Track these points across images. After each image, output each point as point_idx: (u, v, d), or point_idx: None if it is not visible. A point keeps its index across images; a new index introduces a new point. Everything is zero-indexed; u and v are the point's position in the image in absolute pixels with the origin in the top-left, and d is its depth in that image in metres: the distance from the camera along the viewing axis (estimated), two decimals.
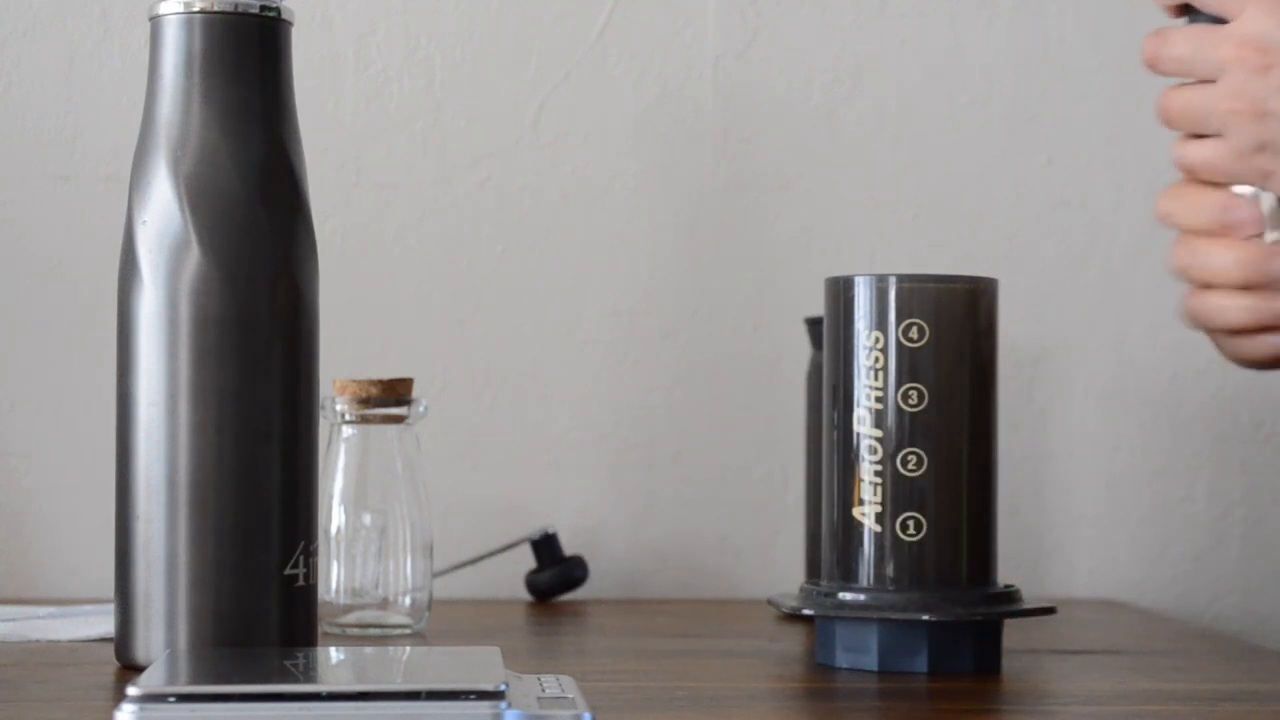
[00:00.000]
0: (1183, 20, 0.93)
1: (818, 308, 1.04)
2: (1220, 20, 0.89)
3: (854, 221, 1.35)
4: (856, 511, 0.94)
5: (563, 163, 1.33)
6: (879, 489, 0.93)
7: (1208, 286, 0.93)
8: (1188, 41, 0.91)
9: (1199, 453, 1.36)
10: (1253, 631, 1.35)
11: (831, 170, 1.35)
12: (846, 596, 0.94)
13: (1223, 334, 0.94)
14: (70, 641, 1.02)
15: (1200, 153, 0.91)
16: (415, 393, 1.11)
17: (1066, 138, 1.35)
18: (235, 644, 0.89)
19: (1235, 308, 0.93)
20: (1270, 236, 0.93)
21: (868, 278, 0.94)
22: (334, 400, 1.09)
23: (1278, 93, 0.89)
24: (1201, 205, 0.94)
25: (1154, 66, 0.93)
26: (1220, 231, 0.93)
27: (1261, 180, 0.90)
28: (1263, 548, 1.36)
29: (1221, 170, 0.91)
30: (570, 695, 0.76)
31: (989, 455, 0.95)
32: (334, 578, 1.08)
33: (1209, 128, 0.90)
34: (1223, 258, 0.93)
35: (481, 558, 1.27)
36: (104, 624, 1.04)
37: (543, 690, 0.77)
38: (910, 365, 0.93)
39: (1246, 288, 0.93)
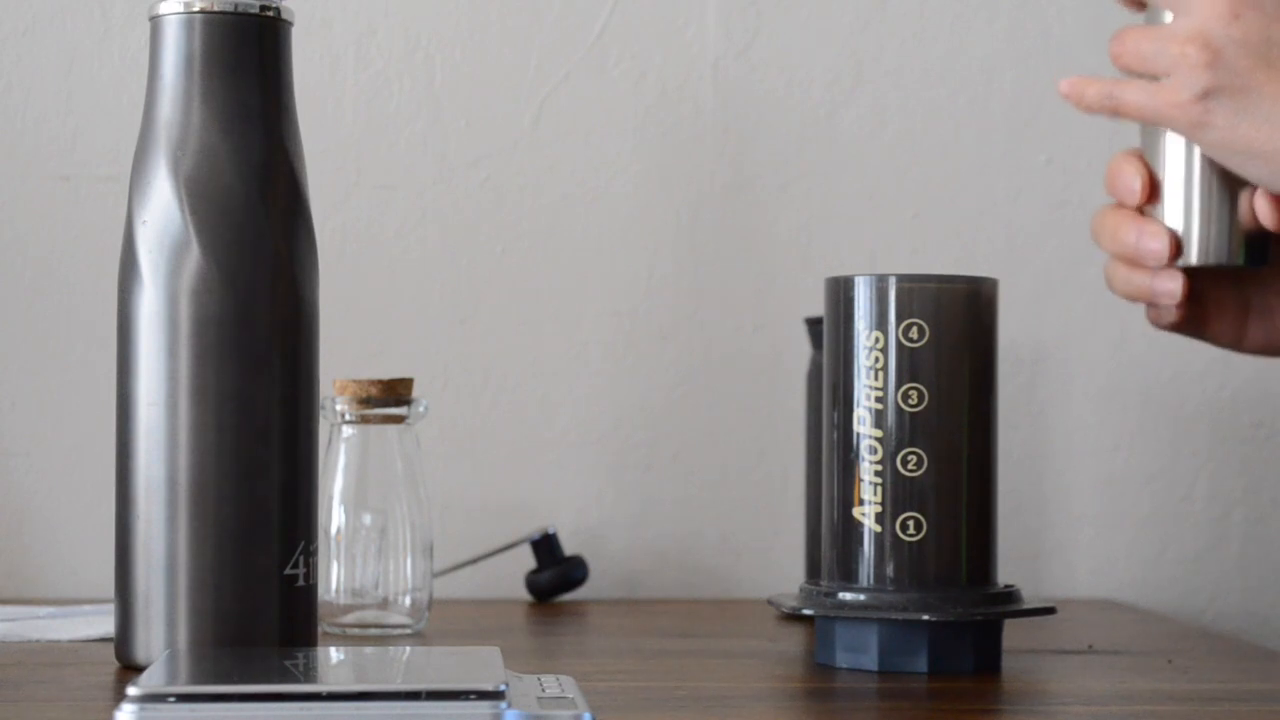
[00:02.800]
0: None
1: (818, 308, 1.04)
2: None
3: (854, 221, 1.35)
4: (856, 511, 0.94)
5: (563, 163, 1.33)
6: (879, 489, 0.93)
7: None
8: None
9: (1199, 453, 1.36)
10: (1253, 631, 1.35)
11: (831, 170, 1.35)
12: (846, 596, 0.94)
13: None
14: (70, 641, 1.02)
15: (1134, 93, 0.91)
16: (415, 393, 1.11)
17: (1066, 138, 1.35)
18: (235, 644, 0.89)
19: (1115, 277, 0.96)
20: (1150, 210, 0.94)
21: (868, 278, 0.94)
22: (334, 400, 1.09)
23: (1237, 44, 0.88)
24: (1112, 173, 0.95)
25: None
26: (1115, 197, 0.96)
27: (1194, 130, 0.90)
28: (1263, 548, 1.36)
29: (1155, 114, 0.90)
30: (570, 695, 0.76)
31: (989, 455, 0.95)
32: (334, 578, 1.08)
33: (1156, 67, 0.90)
34: (1103, 227, 0.96)
35: (481, 558, 1.27)
36: (104, 624, 1.04)
37: (543, 690, 0.77)
38: (910, 365, 0.93)
39: (1121, 259, 0.95)
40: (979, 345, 0.94)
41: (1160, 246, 0.93)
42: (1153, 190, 0.94)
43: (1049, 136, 1.35)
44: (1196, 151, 0.93)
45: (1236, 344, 1.01)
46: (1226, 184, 0.93)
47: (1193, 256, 0.93)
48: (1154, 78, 0.91)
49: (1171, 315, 0.96)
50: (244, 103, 0.91)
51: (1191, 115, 0.89)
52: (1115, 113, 0.92)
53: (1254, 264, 0.94)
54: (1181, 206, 0.94)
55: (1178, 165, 0.94)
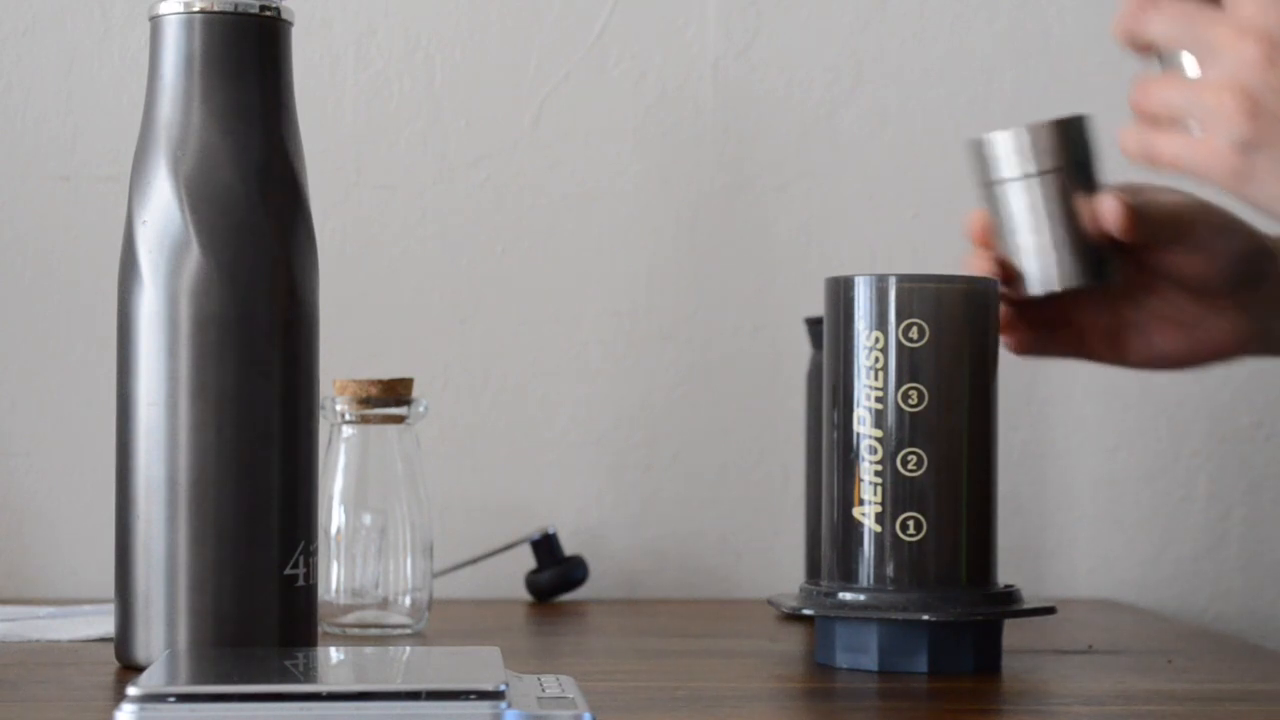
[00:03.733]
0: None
1: (818, 308, 1.04)
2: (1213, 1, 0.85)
3: (854, 221, 1.34)
4: (856, 511, 0.94)
5: (563, 163, 1.33)
6: (879, 489, 0.93)
7: None
8: (1180, 13, 0.86)
9: (1199, 453, 1.36)
10: (1253, 631, 1.35)
11: (831, 170, 1.35)
12: (846, 596, 0.94)
13: None
14: (70, 641, 1.02)
15: (1169, 145, 0.87)
16: (415, 393, 1.11)
17: None
18: (235, 644, 0.89)
19: None
20: (997, 250, 0.99)
21: (868, 278, 0.94)
22: (334, 400, 1.09)
23: (1276, 92, 0.83)
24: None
25: (1133, 28, 0.88)
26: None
27: (1236, 182, 0.86)
28: (1263, 548, 1.36)
29: (1193, 166, 0.87)
30: (570, 695, 0.76)
31: (989, 455, 0.95)
32: (334, 578, 1.08)
33: (1189, 117, 0.86)
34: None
35: (481, 558, 1.27)
36: (104, 624, 1.04)
37: (543, 690, 0.77)
38: (910, 365, 0.93)
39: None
40: (979, 345, 0.94)
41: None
42: (986, 232, 0.99)
43: None
44: (1019, 191, 0.95)
45: (1121, 360, 1.03)
46: (1059, 214, 0.95)
47: (1034, 287, 0.98)
48: (1185, 128, 0.87)
49: (1010, 344, 1.00)
50: (244, 103, 0.91)
51: (1232, 166, 0.85)
52: (1152, 164, 0.88)
53: (1097, 282, 0.97)
54: (1016, 244, 0.98)
55: (1006, 207, 0.97)
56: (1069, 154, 0.97)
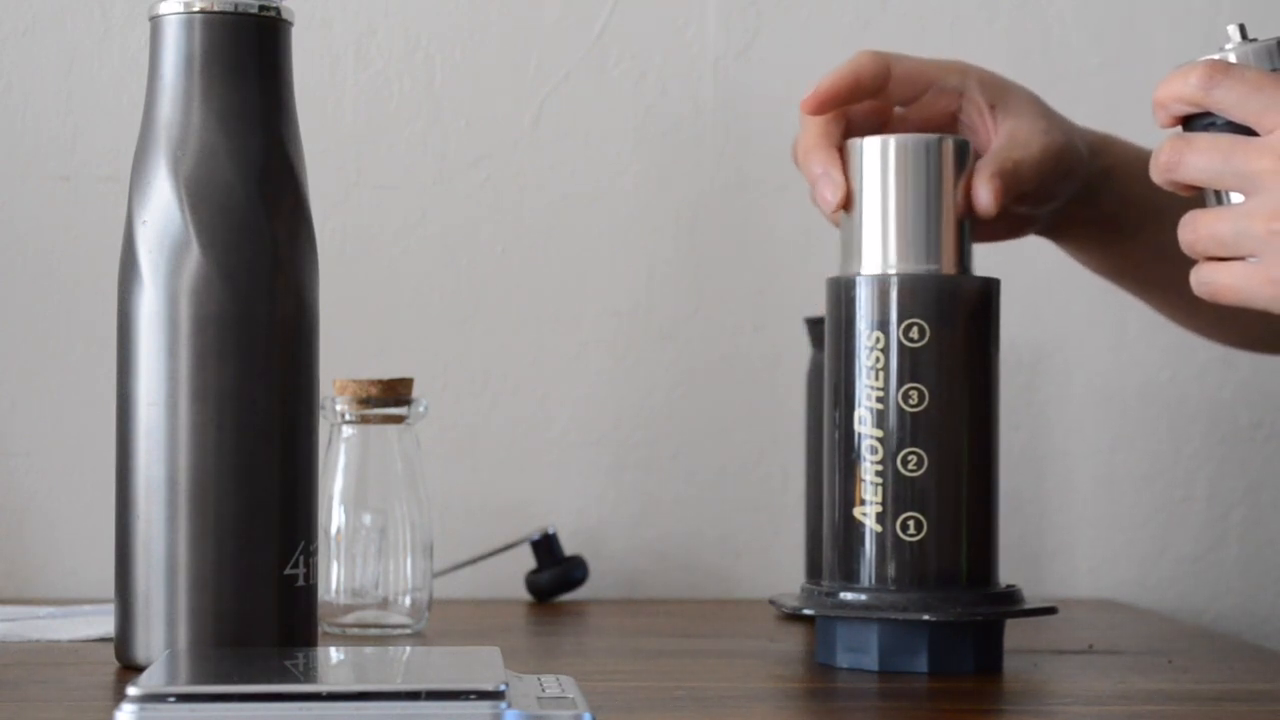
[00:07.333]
0: (1178, 129, 0.88)
1: (818, 308, 1.04)
2: (1249, 132, 0.84)
3: None
4: (857, 511, 0.94)
5: (563, 163, 1.33)
6: (879, 489, 0.93)
7: None
8: (1216, 150, 0.85)
9: (1199, 453, 1.36)
10: (1253, 631, 1.35)
11: None
12: (847, 596, 0.94)
13: None
14: (70, 641, 1.02)
15: (1227, 277, 0.86)
16: (415, 393, 1.11)
17: None
18: (235, 644, 0.89)
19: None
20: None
21: (869, 278, 0.94)
22: (334, 400, 1.09)
23: None
24: (813, 177, 1.01)
25: (1172, 172, 0.87)
26: (816, 202, 1.01)
27: None
28: (1263, 548, 1.36)
29: (1252, 298, 0.85)
30: (570, 695, 0.76)
31: (989, 455, 0.95)
32: (334, 578, 1.08)
33: (1241, 250, 0.85)
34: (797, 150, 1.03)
35: (481, 558, 1.27)
36: (104, 624, 1.04)
37: (543, 690, 0.77)
38: (910, 365, 0.93)
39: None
40: (979, 345, 0.94)
41: (832, 199, 0.97)
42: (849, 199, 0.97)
43: None
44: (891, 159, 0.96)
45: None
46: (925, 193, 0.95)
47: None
48: (1237, 258, 0.86)
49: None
50: (244, 103, 0.91)
51: None
52: (1214, 299, 0.87)
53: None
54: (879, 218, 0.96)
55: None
56: None
